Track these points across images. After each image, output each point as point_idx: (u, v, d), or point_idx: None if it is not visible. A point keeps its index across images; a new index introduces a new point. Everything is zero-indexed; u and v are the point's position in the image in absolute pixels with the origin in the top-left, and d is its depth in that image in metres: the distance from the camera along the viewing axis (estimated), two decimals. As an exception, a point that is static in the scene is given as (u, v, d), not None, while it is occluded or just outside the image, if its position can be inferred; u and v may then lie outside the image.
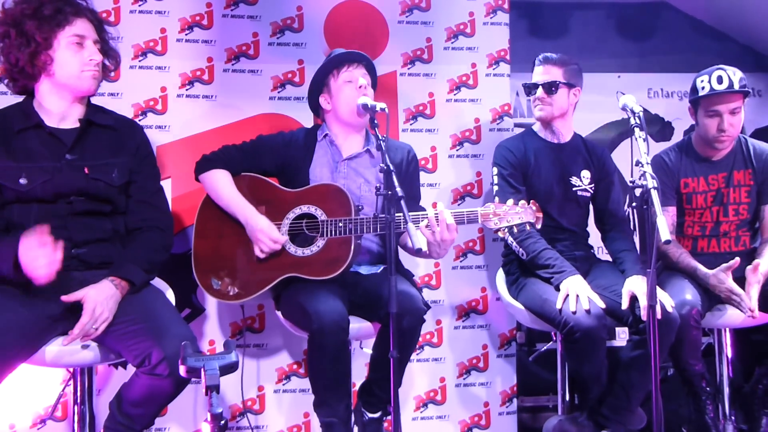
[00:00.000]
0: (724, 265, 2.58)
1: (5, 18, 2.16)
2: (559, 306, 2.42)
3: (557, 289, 2.50)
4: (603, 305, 2.43)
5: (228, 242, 2.48)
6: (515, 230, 2.29)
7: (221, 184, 2.49)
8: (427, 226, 2.24)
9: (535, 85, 2.72)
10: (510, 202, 2.30)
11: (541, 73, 2.73)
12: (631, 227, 3.52)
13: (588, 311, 2.38)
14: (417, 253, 2.03)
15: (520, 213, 2.27)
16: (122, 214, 2.27)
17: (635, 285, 2.47)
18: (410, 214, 2.08)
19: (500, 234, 2.32)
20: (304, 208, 2.43)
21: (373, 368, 2.40)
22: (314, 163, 2.55)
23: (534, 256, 2.59)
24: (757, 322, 2.61)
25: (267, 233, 2.39)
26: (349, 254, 2.35)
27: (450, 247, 2.30)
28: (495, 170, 2.75)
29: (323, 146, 2.59)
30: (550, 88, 2.70)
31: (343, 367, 2.31)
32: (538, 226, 2.33)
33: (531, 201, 2.31)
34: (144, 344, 1.99)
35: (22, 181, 2.11)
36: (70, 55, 2.16)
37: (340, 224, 2.36)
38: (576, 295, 2.41)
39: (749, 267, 2.59)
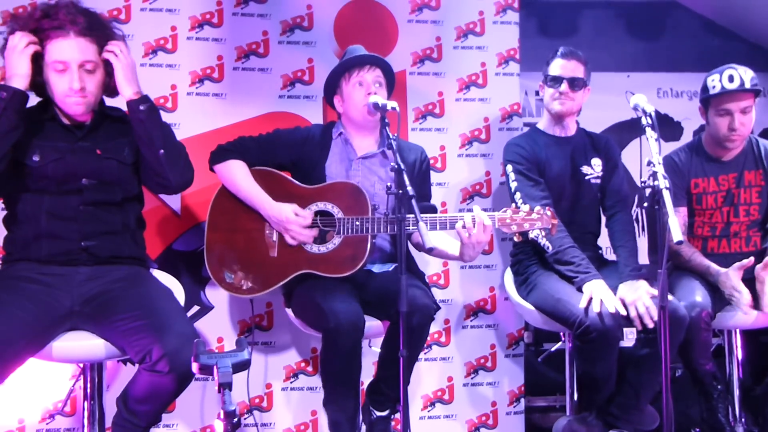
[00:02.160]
0: (738, 263, 2.57)
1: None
2: (583, 305, 2.39)
3: (579, 290, 2.47)
4: (624, 312, 2.39)
5: (242, 235, 2.47)
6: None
7: (238, 175, 2.48)
8: (464, 227, 2.24)
9: (560, 79, 2.66)
10: (526, 208, 2.30)
11: (564, 67, 2.66)
12: (640, 228, 3.52)
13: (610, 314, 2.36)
14: (429, 252, 2.03)
15: (536, 220, 2.27)
16: (132, 203, 2.28)
17: (625, 292, 2.45)
18: (446, 216, 2.13)
19: (516, 238, 2.31)
20: (321, 205, 2.43)
21: (381, 366, 2.40)
22: (329, 160, 2.55)
23: (560, 251, 2.55)
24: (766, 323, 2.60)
25: (295, 215, 2.37)
26: (365, 252, 2.35)
27: (482, 249, 2.30)
28: (510, 167, 2.70)
29: (338, 144, 2.59)
30: (578, 83, 2.66)
31: (355, 366, 2.30)
32: (554, 234, 2.32)
33: (546, 207, 2.31)
34: (145, 341, 1.99)
35: (35, 158, 2.12)
36: (56, 79, 2.12)
37: (357, 222, 2.36)
38: (600, 299, 2.39)
39: (759, 265, 2.57)
